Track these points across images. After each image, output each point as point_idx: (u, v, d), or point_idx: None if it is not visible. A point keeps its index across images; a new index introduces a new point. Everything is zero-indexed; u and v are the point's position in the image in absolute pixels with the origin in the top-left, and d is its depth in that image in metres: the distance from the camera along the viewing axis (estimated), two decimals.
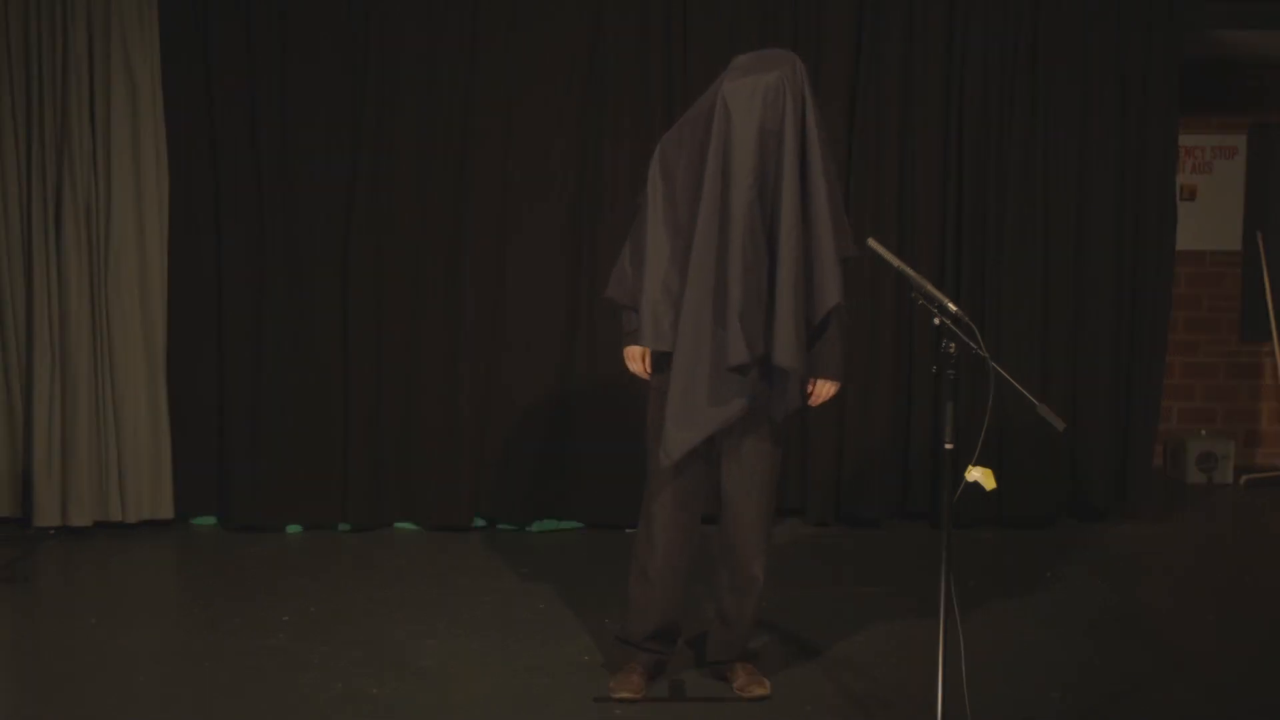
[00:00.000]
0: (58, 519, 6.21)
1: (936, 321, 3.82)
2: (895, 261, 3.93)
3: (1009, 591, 5.55)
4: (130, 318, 6.22)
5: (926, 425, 6.49)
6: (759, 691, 4.32)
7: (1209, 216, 8.07)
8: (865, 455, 6.54)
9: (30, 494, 6.23)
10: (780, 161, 4.07)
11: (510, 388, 6.38)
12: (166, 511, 6.34)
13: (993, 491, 3.80)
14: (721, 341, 4.10)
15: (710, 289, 4.10)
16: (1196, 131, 7.96)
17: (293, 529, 6.40)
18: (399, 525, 6.47)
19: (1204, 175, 8.06)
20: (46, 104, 6.14)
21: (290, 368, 6.32)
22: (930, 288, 3.82)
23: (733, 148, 4.05)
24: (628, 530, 6.10)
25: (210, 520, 6.49)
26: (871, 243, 4.04)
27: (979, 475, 3.72)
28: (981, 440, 3.97)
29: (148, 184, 6.22)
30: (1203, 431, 7.95)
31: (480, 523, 6.47)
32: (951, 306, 3.78)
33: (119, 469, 6.25)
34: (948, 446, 3.75)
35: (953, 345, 3.74)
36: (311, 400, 6.34)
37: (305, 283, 6.32)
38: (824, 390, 4.32)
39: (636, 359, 4.34)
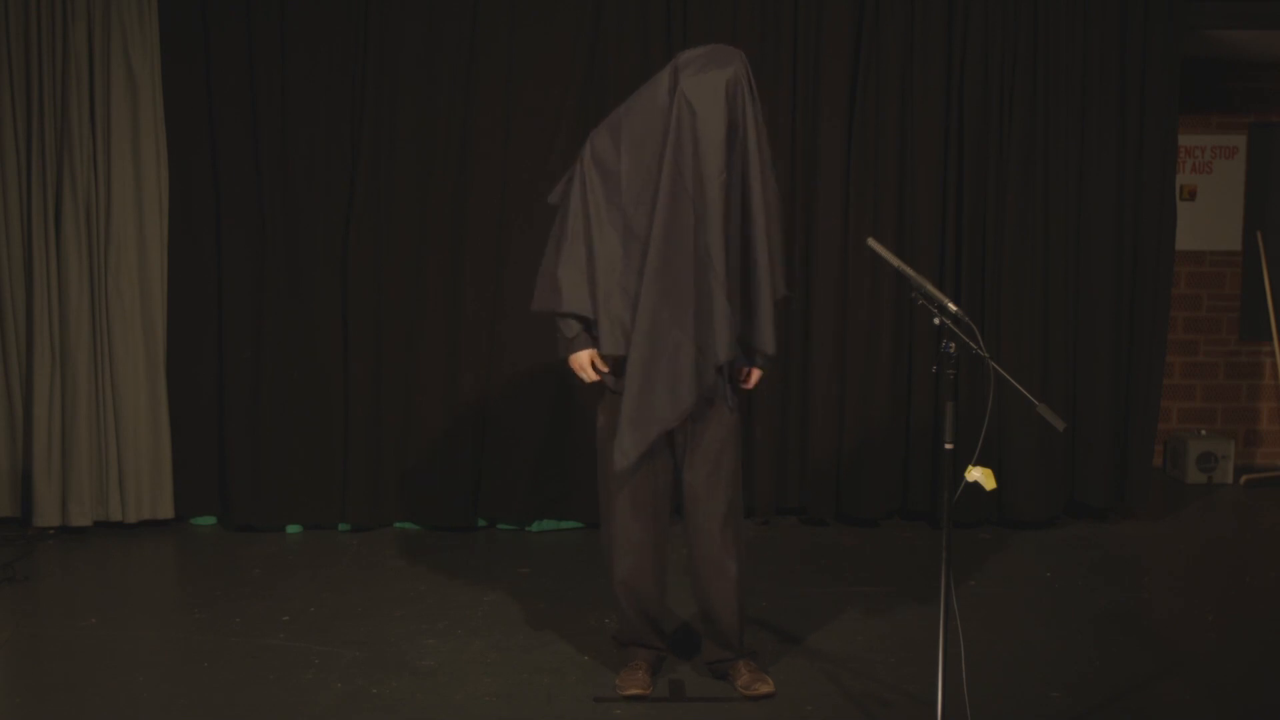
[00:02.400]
0: (58, 519, 6.22)
1: (936, 321, 3.82)
2: (895, 261, 3.93)
3: (1009, 591, 5.55)
4: (130, 318, 6.23)
5: (926, 425, 6.49)
6: (764, 690, 4.31)
7: (1209, 216, 8.08)
8: (865, 455, 6.53)
9: (30, 494, 6.24)
10: (746, 155, 4.07)
11: (510, 388, 6.38)
12: (166, 511, 6.34)
13: (993, 491, 3.81)
14: (680, 341, 4.05)
15: (678, 288, 4.05)
16: (1196, 131, 7.96)
17: (293, 529, 6.40)
18: (399, 525, 6.48)
19: (1204, 175, 8.06)
20: (46, 104, 6.15)
21: (290, 368, 6.33)
22: (930, 288, 3.81)
23: (702, 144, 4.02)
24: None
25: (210, 520, 6.50)
26: (871, 243, 4.04)
27: (979, 475, 3.72)
28: (981, 440, 3.98)
29: (148, 184, 6.23)
30: (1203, 431, 7.95)
31: (480, 523, 6.47)
32: (951, 306, 3.78)
33: (119, 469, 6.25)
34: (948, 446, 3.75)
35: (953, 345, 3.74)
36: (311, 400, 6.34)
37: (305, 283, 6.32)
38: (756, 377, 4.38)
39: (587, 366, 4.25)
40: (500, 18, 6.31)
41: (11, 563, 5.75)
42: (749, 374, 4.35)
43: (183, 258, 6.31)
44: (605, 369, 4.25)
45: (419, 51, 6.30)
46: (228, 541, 6.24)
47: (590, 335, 4.23)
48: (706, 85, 4.02)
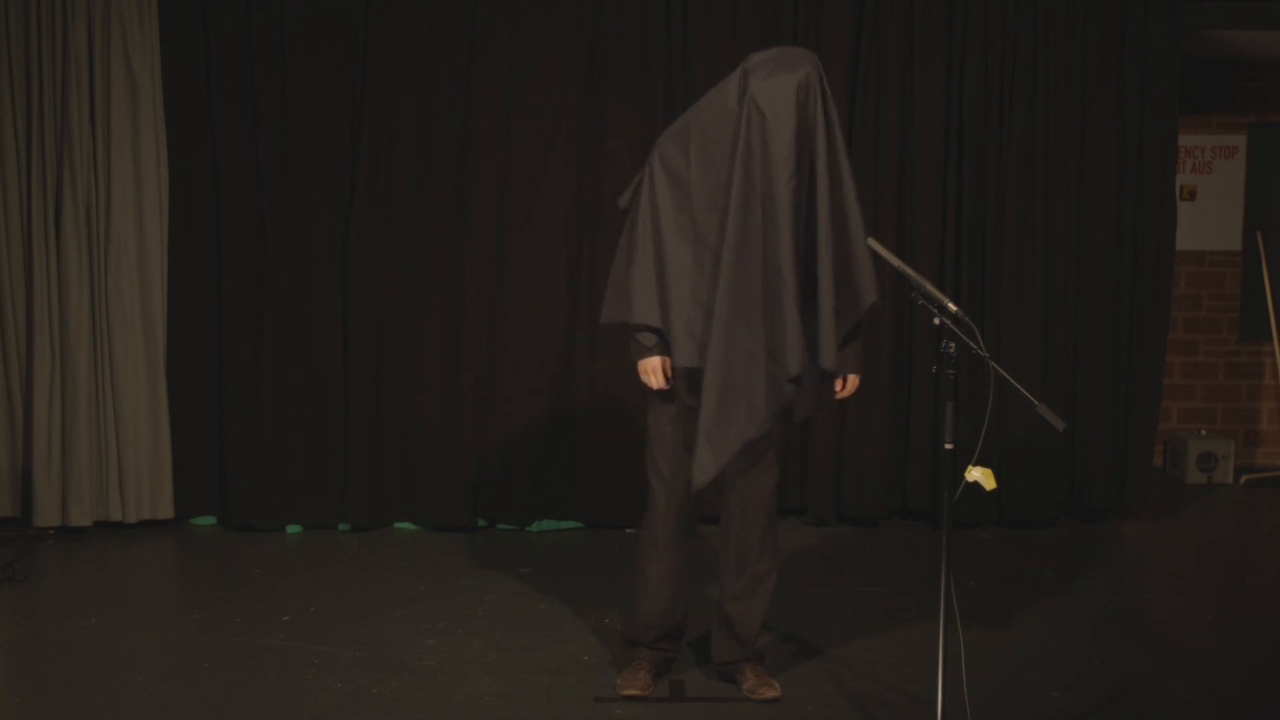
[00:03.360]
0: (58, 519, 6.22)
1: (936, 321, 3.82)
2: (895, 261, 3.93)
3: (1009, 591, 5.55)
4: (130, 318, 6.23)
5: (926, 425, 6.49)
6: (770, 694, 4.30)
7: (1209, 216, 8.08)
8: (865, 455, 6.53)
9: (30, 494, 6.23)
10: (814, 161, 3.98)
11: (510, 387, 6.38)
12: (166, 511, 6.34)
13: (993, 491, 3.80)
14: (754, 352, 3.99)
15: (750, 298, 3.98)
16: (1196, 131, 7.96)
17: (293, 529, 6.40)
18: (399, 525, 6.47)
19: (1204, 175, 8.06)
20: (46, 104, 6.14)
21: (290, 368, 6.32)
22: (930, 288, 3.82)
23: (771, 149, 3.94)
24: (628, 530, 6.12)
25: (210, 520, 6.49)
26: (871, 242, 4.05)
27: (979, 475, 3.72)
28: (981, 440, 3.98)
29: (148, 184, 6.23)
30: (1203, 431, 7.95)
31: (480, 523, 6.47)
32: (951, 306, 3.78)
33: (119, 469, 6.25)
34: (948, 446, 3.75)
35: (953, 345, 3.74)
36: (311, 400, 6.34)
37: (305, 283, 6.32)
38: (853, 384, 4.31)
39: (659, 370, 4.16)
40: (500, 18, 6.31)
41: (11, 563, 5.75)
42: (845, 381, 4.27)
43: (183, 258, 6.31)
44: (670, 378, 4.19)
45: (419, 51, 6.30)
46: (228, 541, 6.24)
47: (663, 344, 4.16)
48: (776, 89, 3.94)
